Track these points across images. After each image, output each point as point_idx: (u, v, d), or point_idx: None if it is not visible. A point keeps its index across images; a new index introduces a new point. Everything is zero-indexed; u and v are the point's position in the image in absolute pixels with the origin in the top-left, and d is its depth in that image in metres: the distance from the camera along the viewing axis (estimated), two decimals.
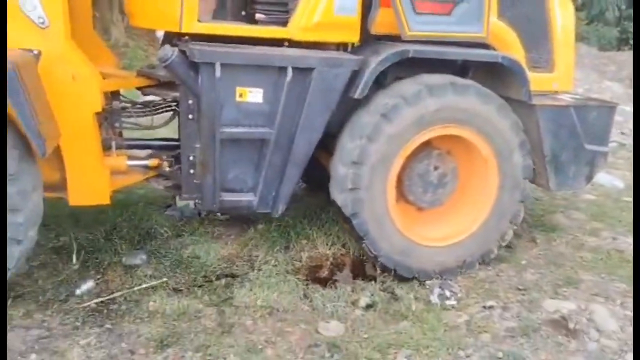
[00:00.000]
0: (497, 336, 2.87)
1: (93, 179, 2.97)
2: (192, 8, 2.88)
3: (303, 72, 2.96)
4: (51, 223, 3.68)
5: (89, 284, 3.12)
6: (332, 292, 3.18)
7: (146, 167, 3.29)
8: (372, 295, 3.17)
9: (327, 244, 3.58)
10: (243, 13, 3.25)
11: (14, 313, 2.84)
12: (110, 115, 3.19)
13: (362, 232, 3.19)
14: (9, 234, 2.57)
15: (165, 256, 3.45)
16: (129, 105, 3.33)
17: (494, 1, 3.36)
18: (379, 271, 3.34)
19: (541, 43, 3.62)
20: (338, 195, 3.19)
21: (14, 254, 2.65)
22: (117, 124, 3.25)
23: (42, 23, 2.73)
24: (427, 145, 3.28)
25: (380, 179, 3.12)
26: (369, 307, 3.10)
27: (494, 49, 3.41)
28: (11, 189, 2.52)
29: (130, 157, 3.25)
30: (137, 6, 3.28)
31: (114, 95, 3.23)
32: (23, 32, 2.69)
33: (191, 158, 3.07)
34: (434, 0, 3.14)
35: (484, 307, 3.13)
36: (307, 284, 3.26)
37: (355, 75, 3.06)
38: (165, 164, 3.26)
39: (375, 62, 3.03)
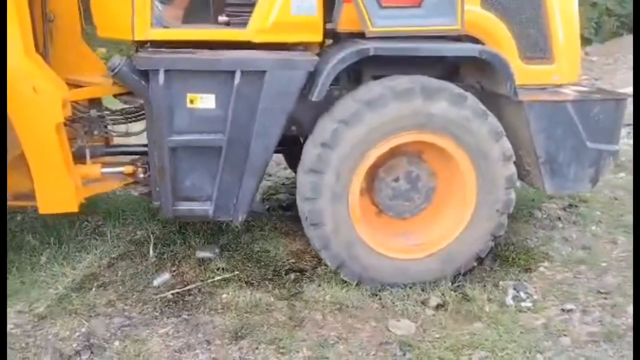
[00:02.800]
0: (577, 341, 2.74)
1: (60, 187, 3.00)
2: (144, 15, 2.84)
3: (255, 75, 2.84)
4: (129, 217, 3.86)
5: (165, 276, 3.24)
6: (402, 290, 3.13)
7: (122, 174, 3.31)
8: (442, 295, 3.10)
9: None
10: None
11: (98, 301, 3.00)
12: (88, 123, 3.23)
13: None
14: None
15: (236, 250, 3.53)
16: (107, 113, 3.35)
17: None
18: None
19: (536, 32, 3.30)
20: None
21: None
22: (95, 132, 3.29)
23: None
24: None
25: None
26: (439, 306, 3.03)
27: (480, 42, 3.19)
28: None
29: (106, 165, 3.29)
30: (99, 17, 3.23)
31: (93, 103, 3.29)
32: None
33: (156, 164, 3.02)
34: None
35: (563, 310, 3.00)
36: None
37: (313, 77, 2.90)
38: (140, 170, 3.26)
39: (333, 62, 2.85)
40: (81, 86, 3.24)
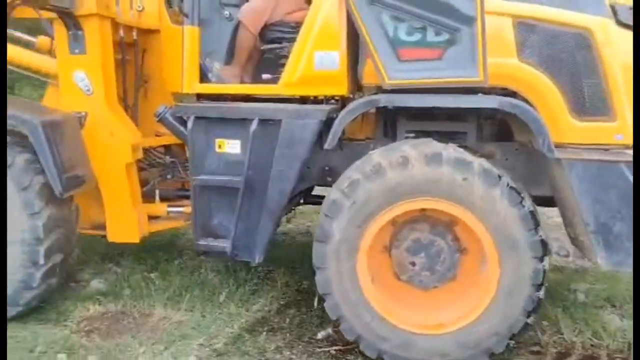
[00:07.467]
0: None
1: (126, 220, 3.56)
2: (191, 72, 3.29)
3: (273, 123, 3.09)
4: (297, 266, 4.08)
5: (328, 330, 3.32)
6: None
7: (184, 213, 3.76)
8: None
9: (574, 330, 3.23)
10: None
11: (267, 346, 3.16)
12: (163, 167, 3.89)
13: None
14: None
15: None
16: (182, 159, 3.87)
17: (511, 42, 2.88)
18: None
19: (590, 86, 2.87)
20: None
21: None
22: (169, 176, 3.90)
23: (88, 91, 3.48)
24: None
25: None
26: None
27: (520, 96, 2.90)
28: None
29: (171, 204, 3.82)
30: (166, 76, 3.81)
31: (168, 150, 3.91)
32: (74, 98, 3.50)
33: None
34: (421, 46, 2.84)
35: None
36: None
37: (327, 126, 3.03)
38: None
39: (343, 112, 2.98)
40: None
